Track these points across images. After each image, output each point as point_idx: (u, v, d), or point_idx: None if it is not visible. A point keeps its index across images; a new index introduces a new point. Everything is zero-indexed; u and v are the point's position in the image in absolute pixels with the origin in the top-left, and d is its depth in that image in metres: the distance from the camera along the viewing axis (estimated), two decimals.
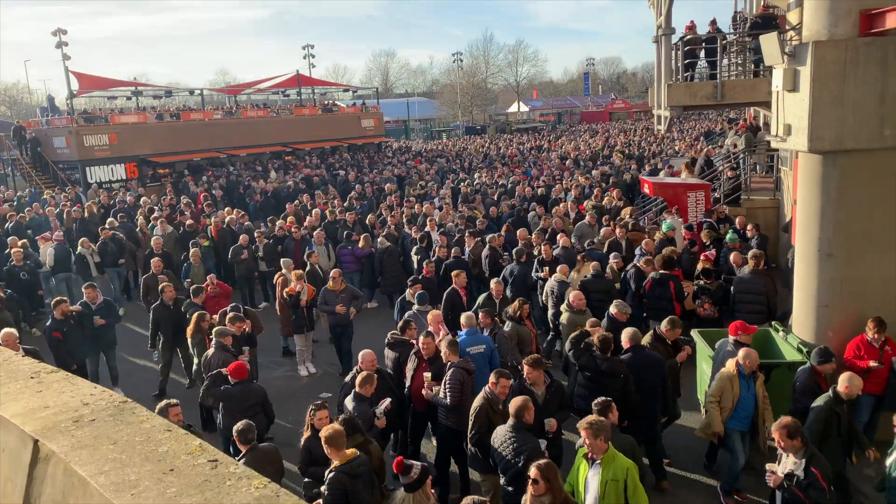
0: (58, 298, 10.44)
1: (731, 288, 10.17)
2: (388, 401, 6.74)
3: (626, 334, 7.46)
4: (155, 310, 10.41)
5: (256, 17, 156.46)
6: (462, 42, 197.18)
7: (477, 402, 6.36)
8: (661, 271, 10.37)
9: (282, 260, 12.62)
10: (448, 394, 6.82)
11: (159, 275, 11.87)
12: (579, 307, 9.31)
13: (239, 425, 6.08)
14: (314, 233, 14.55)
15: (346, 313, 10.56)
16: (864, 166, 7.36)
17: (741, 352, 6.94)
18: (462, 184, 22.64)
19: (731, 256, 11.08)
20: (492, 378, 6.40)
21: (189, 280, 12.63)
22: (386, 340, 8.34)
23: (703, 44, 14.70)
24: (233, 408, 7.20)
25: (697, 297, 10.56)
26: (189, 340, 9.86)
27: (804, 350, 7.82)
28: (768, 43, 7.82)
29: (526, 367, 6.67)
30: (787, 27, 8.94)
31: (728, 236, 12.27)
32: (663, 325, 8.14)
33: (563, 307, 9.67)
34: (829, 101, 7.17)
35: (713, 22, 15.43)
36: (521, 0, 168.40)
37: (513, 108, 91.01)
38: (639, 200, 18.73)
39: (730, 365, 6.95)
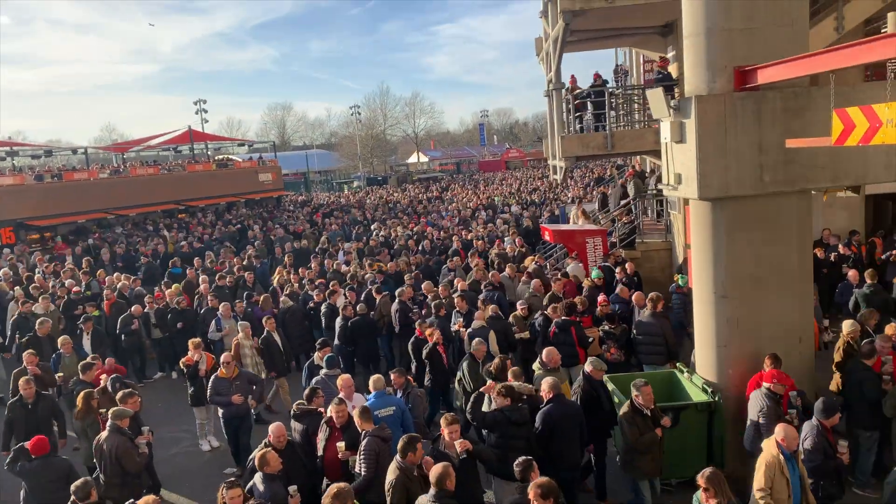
0: None
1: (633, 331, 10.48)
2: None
3: (546, 384, 7.38)
4: (10, 407, 9.01)
5: (144, 73, 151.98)
6: (359, 94, 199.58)
7: (390, 475, 5.99)
8: (563, 318, 10.52)
9: (239, 324, 11.71)
10: (363, 465, 6.50)
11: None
12: (554, 365, 8.74)
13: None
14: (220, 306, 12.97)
15: (245, 403, 9.28)
16: (749, 211, 7.79)
17: (779, 429, 6.05)
18: (371, 237, 22.43)
19: (634, 297, 11.45)
20: (401, 443, 6.10)
21: (60, 374, 10.88)
22: (291, 412, 7.92)
23: (591, 97, 15.43)
24: (34, 485, 7.11)
25: (603, 342, 10.78)
26: (78, 424, 8.88)
27: (709, 390, 8.08)
28: (655, 98, 8.24)
29: (443, 427, 6.47)
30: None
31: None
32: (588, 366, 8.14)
33: (535, 365, 9.12)
34: (714, 151, 7.58)
35: (597, 75, 16.28)
36: (415, 54, 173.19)
37: (412, 159, 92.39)
38: (540, 247, 19.19)
39: (770, 448, 6.03)
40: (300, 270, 16.90)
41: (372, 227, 26.32)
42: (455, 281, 13.41)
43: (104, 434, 7.61)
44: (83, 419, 8.69)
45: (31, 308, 13.84)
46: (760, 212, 7.80)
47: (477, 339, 9.37)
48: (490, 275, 13.61)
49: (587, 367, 8.12)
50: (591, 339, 10.53)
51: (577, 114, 15.23)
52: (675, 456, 7.73)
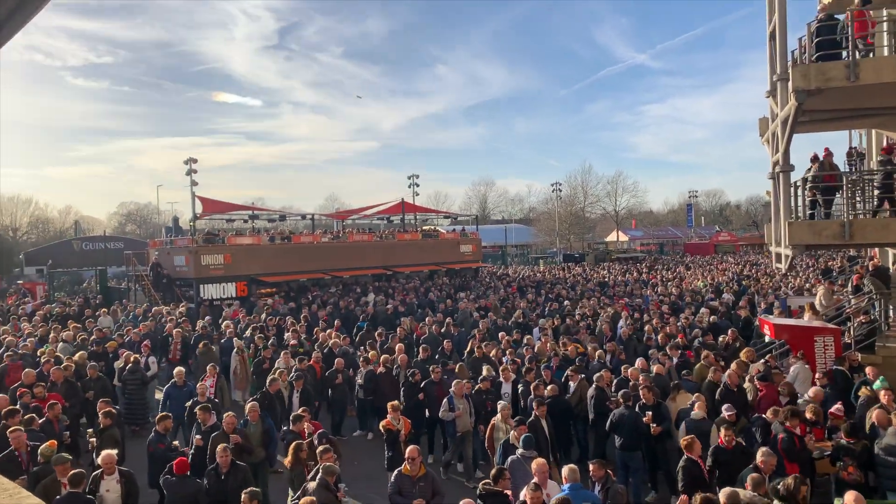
0: (162, 414, 10.58)
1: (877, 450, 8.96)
2: None
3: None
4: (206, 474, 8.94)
5: (366, 149, 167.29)
6: (560, 172, 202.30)
7: None
8: (787, 425, 9.30)
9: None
10: None
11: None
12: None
13: None
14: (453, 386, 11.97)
15: None
16: None
17: None
18: (569, 316, 21.96)
19: (874, 414, 9.86)
20: None
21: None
22: (477, 491, 7.72)
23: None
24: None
25: (839, 459, 9.32)
26: (288, 473, 9.45)
27: None
28: None
29: None
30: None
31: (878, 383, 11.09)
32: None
33: None
34: None
35: (827, 152, 14.75)
36: (620, 133, 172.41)
37: (611, 237, 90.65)
38: (755, 341, 17.47)
39: None
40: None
41: (566, 304, 25.86)
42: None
43: (311, 485, 7.95)
44: (292, 470, 9.22)
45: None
46: None
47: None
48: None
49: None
50: (825, 453, 9.19)
51: (812, 193, 13.85)
52: None
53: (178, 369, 13.61)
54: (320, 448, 8.75)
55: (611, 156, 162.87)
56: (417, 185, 48.26)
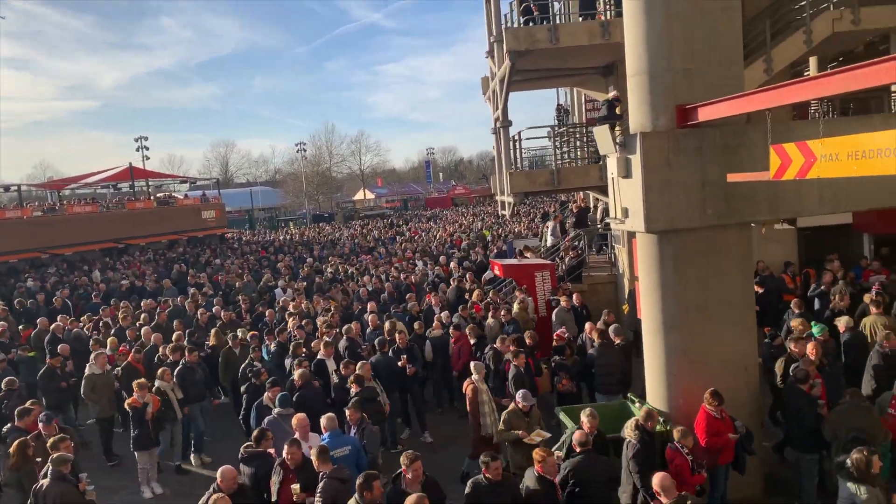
0: None
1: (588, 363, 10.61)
2: None
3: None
4: None
5: (82, 108, 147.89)
6: (304, 132, 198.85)
7: None
8: (516, 349, 10.58)
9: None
10: None
11: None
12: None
13: None
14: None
15: None
16: (694, 243, 8.06)
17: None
18: (319, 275, 22.17)
19: (586, 329, 11.64)
20: (360, 481, 6.03)
21: None
22: (239, 455, 7.64)
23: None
24: None
25: (555, 374, 10.88)
26: (11, 476, 8.21)
27: (660, 419, 8.20)
28: (601, 135, 8.52)
29: (404, 464, 6.40)
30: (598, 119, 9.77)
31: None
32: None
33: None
34: (659, 185, 7.85)
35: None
36: (360, 92, 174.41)
37: (359, 196, 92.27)
38: (494, 282, 19.30)
39: None
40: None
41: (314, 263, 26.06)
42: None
43: (45, 482, 7.16)
44: (18, 470, 8.16)
45: None
46: (705, 244, 8.07)
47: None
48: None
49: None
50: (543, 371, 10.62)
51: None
52: None
53: None
54: (52, 439, 7.87)
55: (353, 115, 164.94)
56: (147, 149, 44.67)
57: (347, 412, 8.33)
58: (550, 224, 21.53)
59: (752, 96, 6.72)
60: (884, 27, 13.78)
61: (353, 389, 9.30)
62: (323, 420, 7.87)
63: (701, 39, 7.76)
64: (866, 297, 11.19)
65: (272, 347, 12.40)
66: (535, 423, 8.48)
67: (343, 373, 10.07)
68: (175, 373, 10.97)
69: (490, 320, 12.94)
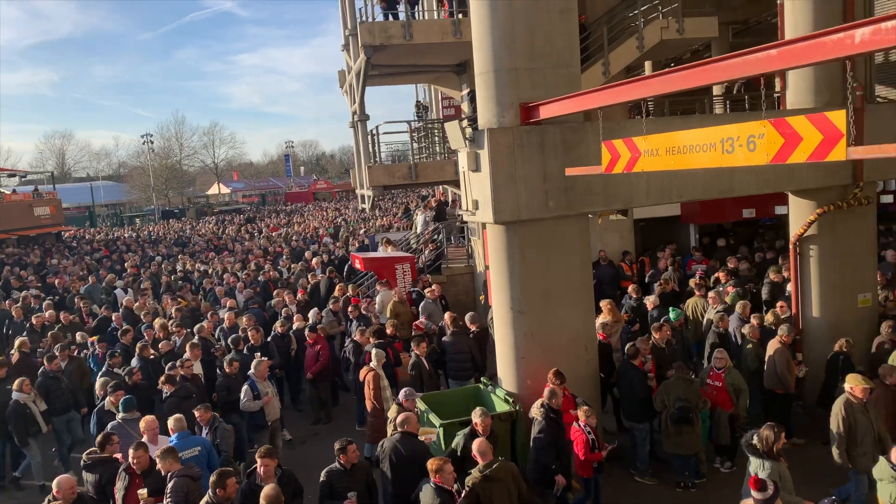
0: None
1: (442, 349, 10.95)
2: None
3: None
4: None
5: None
6: (151, 123, 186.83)
7: None
8: (378, 341, 10.74)
9: None
10: None
11: None
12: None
13: None
14: None
15: None
16: (538, 233, 8.57)
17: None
18: (171, 274, 21.02)
19: (445, 318, 11.97)
20: (213, 479, 5.90)
21: None
22: (82, 462, 7.20)
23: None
24: None
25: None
26: None
27: (510, 400, 8.67)
28: (452, 130, 8.81)
29: (257, 459, 6.33)
30: (463, 115, 10.19)
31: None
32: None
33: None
34: (505, 179, 8.27)
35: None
36: (212, 82, 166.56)
37: (213, 190, 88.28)
38: (356, 276, 19.28)
39: None
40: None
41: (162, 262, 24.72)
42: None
43: None
44: None
45: None
46: (548, 233, 8.60)
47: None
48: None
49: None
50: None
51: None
52: None
53: None
54: None
55: (205, 106, 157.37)
56: None
57: (197, 413, 8.06)
58: (420, 213, 21.97)
59: (585, 96, 7.25)
60: (706, 37, 15.28)
61: (167, 389, 9.13)
62: (170, 421, 7.58)
63: (542, 40, 8.23)
64: (691, 282, 12.55)
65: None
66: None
67: (227, 370, 9.94)
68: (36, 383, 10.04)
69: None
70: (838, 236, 10.10)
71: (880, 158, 9.65)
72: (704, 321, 11.26)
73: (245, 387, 9.51)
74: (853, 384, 7.40)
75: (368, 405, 9.66)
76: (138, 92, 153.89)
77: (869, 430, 7.36)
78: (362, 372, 9.91)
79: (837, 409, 7.46)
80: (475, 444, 6.51)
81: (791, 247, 10.45)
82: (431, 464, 6.05)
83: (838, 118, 4.58)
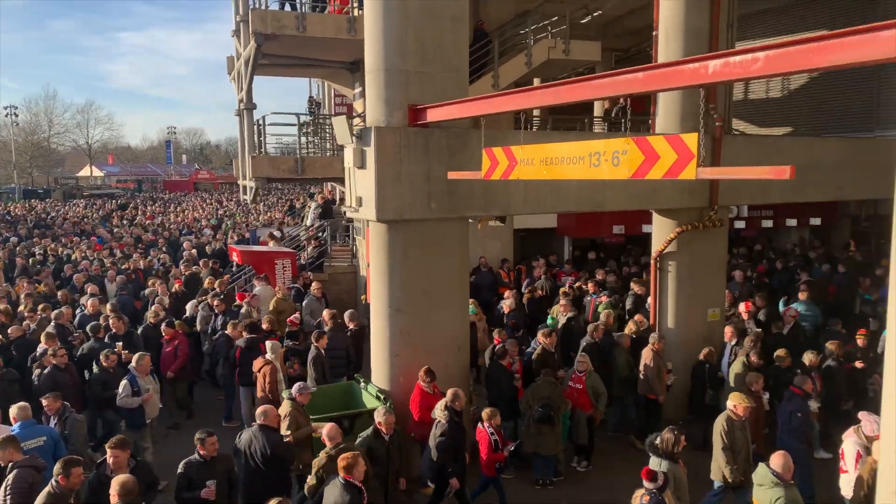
0: None
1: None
2: None
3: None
4: None
5: None
6: (17, 95, 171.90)
7: (39, 500, 5.48)
8: (250, 336, 10.52)
9: None
10: (12, 498, 5.70)
11: None
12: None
13: None
14: None
15: None
16: (420, 233, 8.71)
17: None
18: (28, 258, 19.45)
19: (324, 315, 11.89)
20: (57, 468, 5.60)
21: None
22: None
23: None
24: None
25: (287, 359, 10.95)
26: None
27: (381, 397, 8.75)
28: (339, 124, 8.81)
29: (109, 450, 6.05)
30: (355, 113, 10.20)
31: None
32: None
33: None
34: (390, 178, 8.36)
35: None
36: (91, 58, 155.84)
37: (84, 172, 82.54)
38: (228, 269, 18.67)
39: None
40: None
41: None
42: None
43: None
44: None
45: None
46: (429, 234, 8.77)
47: None
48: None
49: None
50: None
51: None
52: None
53: None
54: None
55: (81, 83, 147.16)
56: None
57: (45, 401, 7.57)
58: (312, 206, 21.63)
59: (471, 102, 7.48)
60: (590, 60, 16.13)
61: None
62: (13, 410, 7.07)
63: (432, 45, 8.41)
64: (561, 291, 13.20)
65: None
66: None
67: (104, 364, 9.33)
68: None
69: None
70: (694, 254, 10.98)
71: (733, 184, 10.69)
72: (560, 326, 11.86)
73: (124, 381, 8.89)
74: (736, 402, 7.61)
75: (260, 396, 9.42)
76: (7, 60, 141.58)
77: (744, 445, 7.61)
78: (256, 363, 9.67)
79: (719, 426, 7.62)
80: (325, 429, 6.77)
81: (652, 262, 11.25)
82: (342, 460, 5.90)
83: (691, 140, 5.04)
